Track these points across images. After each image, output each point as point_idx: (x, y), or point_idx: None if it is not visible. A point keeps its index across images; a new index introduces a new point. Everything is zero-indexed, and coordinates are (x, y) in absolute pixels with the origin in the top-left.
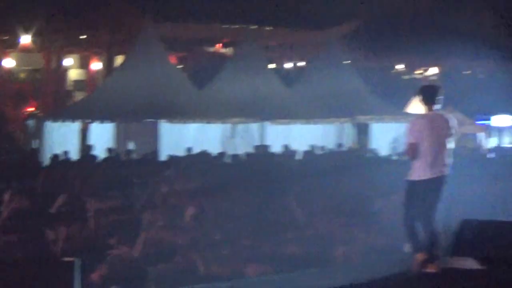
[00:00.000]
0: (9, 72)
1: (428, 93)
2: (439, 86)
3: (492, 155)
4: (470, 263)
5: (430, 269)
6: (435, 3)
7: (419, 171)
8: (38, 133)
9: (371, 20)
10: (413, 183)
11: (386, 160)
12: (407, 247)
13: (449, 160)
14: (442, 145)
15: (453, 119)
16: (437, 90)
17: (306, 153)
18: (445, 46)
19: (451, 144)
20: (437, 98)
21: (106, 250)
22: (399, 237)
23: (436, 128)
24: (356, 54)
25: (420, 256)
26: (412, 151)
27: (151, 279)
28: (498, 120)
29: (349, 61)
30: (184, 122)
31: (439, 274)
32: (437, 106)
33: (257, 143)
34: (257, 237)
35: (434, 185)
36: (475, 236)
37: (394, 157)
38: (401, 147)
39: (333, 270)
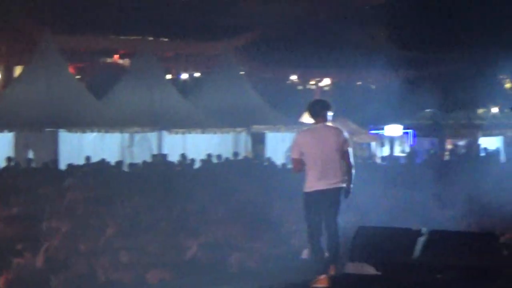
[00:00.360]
0: None
1: (315, 108)
2: (326, 101)
3: (385, 163)
4: (366, 269)
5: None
6: (327, 16)
7: (310, 183)
8: None
9: (266, 32)
10: (307, 195)
11: (281, 168)
12: (305, 254)
13: (342, 172)
14: (331, 157)
15: (344, 131)
16: (324, 104)
17: (203, 161)
18: (338, 58)
19: (345, 156)
20: (324, 112)
21: (10, 257)
22: (296, 244)
23: (323, 141)
24: (251, 65)
25: (323, 280)
26: (295, 166)
27: (53, 286)
28: (391, 129)
29: (244, 72)
30: (83, 132)
31: (336, 278)
32: (325, 120)
33: (155, 152)
34: (157, 244)
35: (325, 196)
36: (370, 242)
37: (289, 166)
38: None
39: (230, 276)
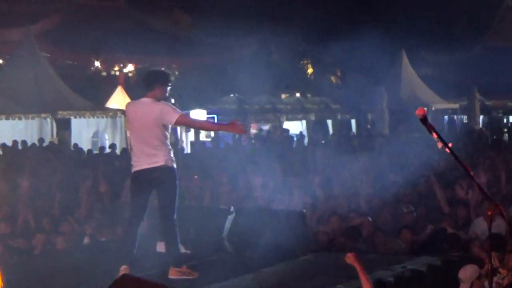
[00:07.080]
0: None
1: (143, 79)
2: (153, 70)
3: (189, 150)
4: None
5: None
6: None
7: (133, 162)
8: None
9: (67, 18)
10: (132, 174)
11: (87, 154)
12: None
13: (159, 151)
14: (145, 134)
15: (164, 105)
16: (148, 74)
17: (4, 147)
18: (140, 44)
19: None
20: (146, 83)
21: None
22: None
23: (141, 115)
24: (54, 51)
25: (124, 269)
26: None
27: None
28: (195, 114)
29: (47, 58)
30: None
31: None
32: (149, 92)
33: None
34: None
35: (142, 177)
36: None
37: (95, 151)
38: (102, 142)
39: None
